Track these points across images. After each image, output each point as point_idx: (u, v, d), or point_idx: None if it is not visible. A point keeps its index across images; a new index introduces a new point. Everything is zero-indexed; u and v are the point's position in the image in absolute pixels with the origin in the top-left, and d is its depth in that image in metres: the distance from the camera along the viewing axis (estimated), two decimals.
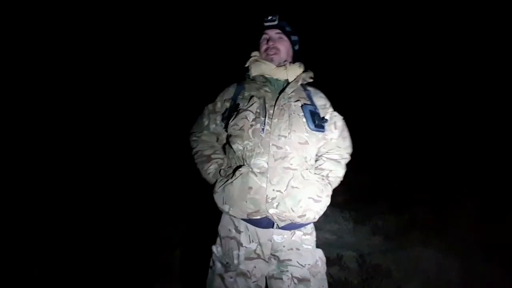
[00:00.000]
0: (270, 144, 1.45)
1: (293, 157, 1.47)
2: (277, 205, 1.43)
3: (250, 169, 1.45)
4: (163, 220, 4.10)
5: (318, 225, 4.31)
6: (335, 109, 1.70)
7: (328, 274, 2.97)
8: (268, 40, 1.65)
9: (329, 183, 1.57)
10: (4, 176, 4.25)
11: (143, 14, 7.38)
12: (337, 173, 1.61)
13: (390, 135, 6.39)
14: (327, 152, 1.63)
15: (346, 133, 1.69)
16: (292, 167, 1.47)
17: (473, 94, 5.95)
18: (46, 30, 6.13)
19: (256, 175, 1.44)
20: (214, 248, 1.56)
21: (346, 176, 1.66)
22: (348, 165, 1.71)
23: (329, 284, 2.81)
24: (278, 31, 1.65)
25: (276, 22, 1.63)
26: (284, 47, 1.65)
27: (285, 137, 1.47)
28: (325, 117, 1.58)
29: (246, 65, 1.67)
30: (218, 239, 1.57)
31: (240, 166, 1.49)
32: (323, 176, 1.58)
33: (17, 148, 4.90)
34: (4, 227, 3.42)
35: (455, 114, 5.96)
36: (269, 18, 1.63)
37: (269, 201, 1.43)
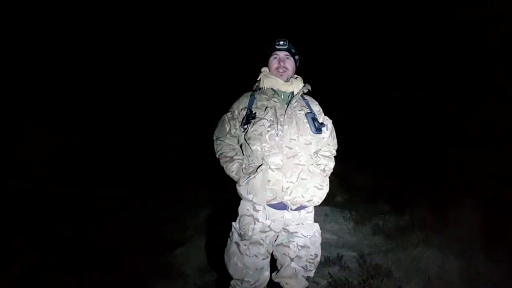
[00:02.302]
0: (283, 146, 1.85)
1: (301, 155, 1.87)
2: (290, 193, 1.83)
3: (269, 166, 1.83)
4: (163, 220, 4.11)
5: (319, 225, 4.31)
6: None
7: (328, 274, 2.99)
8: (279, 60, 2.04)
9: (326, 175, 2.00)
10: (3, 175, 4.26)
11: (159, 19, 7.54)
12: (330, 166, 2.04)
13: (390, 136, 6.40)
14: (320, 150, 2.04)
15: (334, 133, 2.13)
16: (301, 163, 1.86)
17: (473, 94, 5.96)
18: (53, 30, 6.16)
19: (274, 171, 1.82)
20: (233, 223, 1.96)
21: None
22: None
23: (330, 284, 2.83)
24: (286, 53, 2.06)
25: (286, 47, 2.05)
26: (290, 66, 2.06)
27: (295, 140, 1.88)
28: (323, 122, 2.01)
29: (258, 79, 2.07)
30: (237, 217, 1.95)
31: (261, 165, 1.85)
32: (321, 169, 1.98)
33: (18, 146, 4.91)
34: (4, 227, 3.42)
35: (455, 115, 5.97)
36: (280, 43, 2.04)
37: (284, 190, 1.83)
